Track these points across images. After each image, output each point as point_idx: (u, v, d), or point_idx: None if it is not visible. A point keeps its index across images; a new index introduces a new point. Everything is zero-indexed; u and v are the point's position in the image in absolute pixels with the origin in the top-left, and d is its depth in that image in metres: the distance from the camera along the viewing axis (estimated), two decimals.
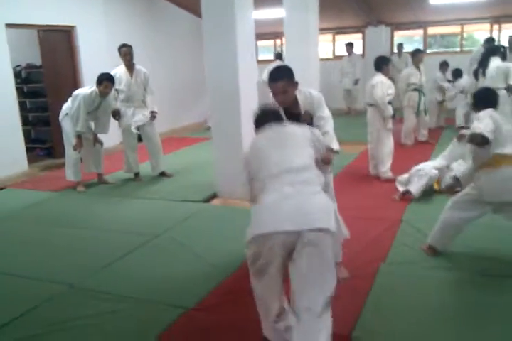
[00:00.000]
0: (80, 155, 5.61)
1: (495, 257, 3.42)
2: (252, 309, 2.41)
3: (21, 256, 3.78)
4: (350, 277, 3.19)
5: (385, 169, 5.48)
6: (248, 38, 4.99)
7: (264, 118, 2.63)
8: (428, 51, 10.74)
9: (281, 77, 2.82)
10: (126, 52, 5.62)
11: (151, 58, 8.29)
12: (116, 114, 5.68)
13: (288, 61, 6.95)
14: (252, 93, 5.03)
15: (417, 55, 7.12)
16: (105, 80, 5.23)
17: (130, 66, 5.71)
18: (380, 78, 5.39)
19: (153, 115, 5.82)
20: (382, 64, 5.46)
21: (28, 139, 7.37)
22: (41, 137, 7.86)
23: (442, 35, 11.81)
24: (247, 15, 4.94)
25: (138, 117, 5.72)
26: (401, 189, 4.87)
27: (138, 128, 5.79)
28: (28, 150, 6.95)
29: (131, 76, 5.70)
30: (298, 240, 2.11)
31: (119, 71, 5.68)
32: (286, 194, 2.19)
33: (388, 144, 5.50)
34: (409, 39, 11.88)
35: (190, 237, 4.00)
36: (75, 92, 5.45)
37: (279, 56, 9.83)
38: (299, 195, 2.19)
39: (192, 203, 4.94)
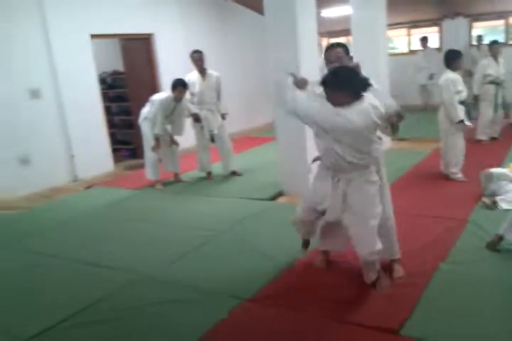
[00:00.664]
0: (159, 155, 6.01)
1: None
2: (307, 302, 2.54)
3: (102, 248, 4.17)
4: (405, 276, 3.23)
5: (455, 170, 5.33)
6: (310, 35, 5.03)
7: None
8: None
9: (339, 46, 3.15)
10: (197, 58, 5.94)
11: (223, 61, 8.61)
12: (198, 118, 5.96)
13: (355, 58, 6.95)
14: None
15: (494, 46, 6.85)
16: (179, 85, 5.58)
17: (202, 71, 6.02)
18: (447, 75, 5.13)
19: (223, 117, 6.14)
20: (451, 59, 5.21)
21: (114, 141, 7.97)
22: (126, 139, 8.46)
23: None
24: (309, 12, 4.99)
25: (213, 125, 6.04)
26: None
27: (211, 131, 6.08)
28: (114, 151, 7.53)
29: (204, 80, 6.01)
30: None
31: (192, 76, 6.00)
32: None
33: (458, 146, 5.29)
34: (493, 30, 11.28)
35: (254, 233, 4.20)
36: (152, 97, 5.85)
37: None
38: None
39: (259, 201, 5.14)
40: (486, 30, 11.17)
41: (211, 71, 6.10)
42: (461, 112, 5.08)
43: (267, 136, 8.55)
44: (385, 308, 2.85)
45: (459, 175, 5.32)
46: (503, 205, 4.32)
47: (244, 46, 9.60)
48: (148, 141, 5.94)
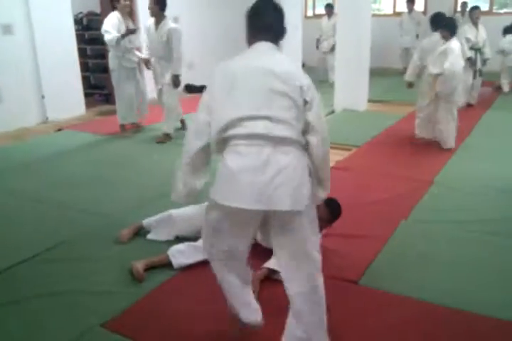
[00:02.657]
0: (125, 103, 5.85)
1: None
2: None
3: (74, 191, 4.15)
4: (368, 230, 3.35)
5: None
6: None
7: None
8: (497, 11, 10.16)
9: None
10: (150, 1, 5.22)
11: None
12: (146, 63, 5.69)
13: (341, 17, 6.88)
14: (296, 50, 5.06)
15: (474, 12, 6.87)
16: None
17: (157, 18, 5.30)
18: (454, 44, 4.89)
19: (174, 80, 5.41)
20: (440, 22, 5.11)
21: (88, 85, 7.75)
22: (100, 83, 8.24)
23: None
24: None
25: (158, 80, 5.59)
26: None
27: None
28: (87, 95, 7.34)
29: (156, 29, 5.34)
30: None
31: (150, 22, 5.42)
32: None
33: (454, 121, 5.21)
34: None
35: None
36: None
37: (329, 8, 9.30)
38: None
39: None
40: None
41: (169, 21, 5.36)
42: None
43: None
44: (345, 261, 2.96)
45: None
46: None
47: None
48: (115, 77, 5.76)
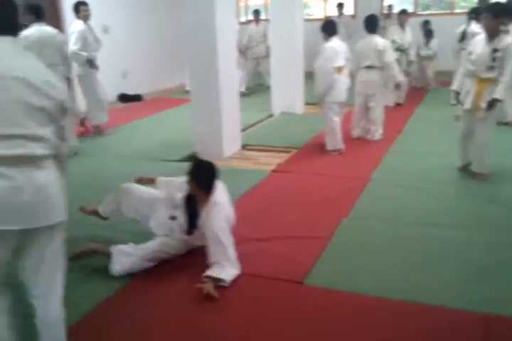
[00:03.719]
0: None
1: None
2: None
3: None
4: (310, 230, 3.42)
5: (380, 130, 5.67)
6: None
7: None
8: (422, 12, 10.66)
9: None
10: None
11: (133, 19, 8.28)
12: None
13: (273, 22, 6.99)
14: (231, 55, 5.10)
15: (402, 15, 7.21)
16: None
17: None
18: (380, 40, 5.42)
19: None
20: (375, 24, 5.48)
21: None
22: None
23: None
24: None
25: None
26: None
27: None
28: None
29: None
30: None
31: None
32: None
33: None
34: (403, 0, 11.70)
35: None
36: None
37: (257, 14, 9.29)
38: None
39: (171, 162, 5.09)
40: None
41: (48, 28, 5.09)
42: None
43: (182, 97, 8.42)
44: (288, 262, 3.00)
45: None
46: None
47: (158, 4, 9.20)
48: None
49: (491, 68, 3.97)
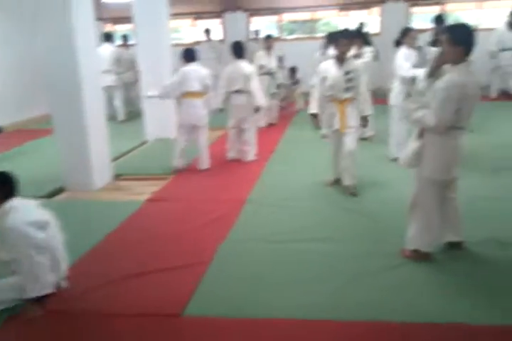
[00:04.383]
0: None
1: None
2: None
3: None
4: (186, 258, 3.32)
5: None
6: (86, 21, 4.73)
7: None
8: (288, 37, 11.24)
9: None
10: None
11: None
12: None
13: (140, 47, 6.88)
14: (95, 80, 4.89)
15: (268, 40, 7.47)
16: None
17: None
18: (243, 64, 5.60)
19: None
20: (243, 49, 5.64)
21: None
22: None
23: (304, 21, 12.27)
24: None
25: None
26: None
27: None
28: None
29: None
30: None
31: None
32: None
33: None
34: (269, 25, 12.23)
35: None
36: None
37: (107, 38, 8.75)
38: None
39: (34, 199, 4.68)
40: (264, 24, 12.11)
41: None
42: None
43: (47, 127, 7.88)
44: (165, 296, 2.88)
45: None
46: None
47: (16, 31, 8.59)
48: None
49: (347, 89, 4.26)
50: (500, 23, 9.17)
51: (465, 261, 3.15)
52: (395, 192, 4.37)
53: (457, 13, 11.48)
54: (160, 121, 6.85)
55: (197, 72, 5.24)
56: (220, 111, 5.73)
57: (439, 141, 2.93)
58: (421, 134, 3.03)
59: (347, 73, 4.23)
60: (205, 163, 5.49)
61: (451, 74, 2.81)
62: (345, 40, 4.25)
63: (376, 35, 9.58)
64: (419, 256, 3.14)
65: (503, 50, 8.81)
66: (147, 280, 3.04)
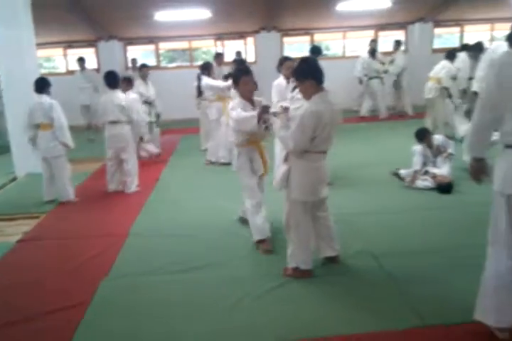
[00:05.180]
0: None
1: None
2: None
3: None
4: (64, 299, 3.10)
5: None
6: None
7: None
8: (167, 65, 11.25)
9: None
10: None
11: None
12: None
13: (4, 76, 6.46)
14: None
15: (143, 69, 7.46)
16: None
17: None
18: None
19: None
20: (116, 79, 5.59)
21: None
22: None
23: (184, 50, 12.36)
24: None
25: None
26: None
27: None
28: None
29: None
30: None
31: None
32: None
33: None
34: (147, 53, 12.20)
35: None
36: None
37: None
38: None
39: None
40: (141, 53, 12.08)
41: None
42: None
43: None
44: None
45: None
46: None
47: None
48: None
49: None
50: (363, 52, 10.12)
51: (342, 273, 3.32)
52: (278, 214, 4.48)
53: (327, 42, 12.43)
54: (29, 154, 6.41)
55: (41, 104, 5.10)
56: (91, 142, 5.54)
57: (302, 164, 3.11)
58: (286, 158, 3.18)
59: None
60: (65, 194, 5.25)
61: (309, 104, 3.01)
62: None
63: (252, 63, 9.96)
64: (299, 274, 3.24)
65: (370, 78, 9.73)
66: (18, 330, 2.77)
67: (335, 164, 5.54)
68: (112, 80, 5.51)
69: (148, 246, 3.99)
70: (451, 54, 7.45)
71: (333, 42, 12.50)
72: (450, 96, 7.27)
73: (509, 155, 2.32)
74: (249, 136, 3.70)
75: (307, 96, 3.06)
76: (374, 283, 3.17)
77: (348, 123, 8.79)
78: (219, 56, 8.48)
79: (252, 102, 3.73)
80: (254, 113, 3.53)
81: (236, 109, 3.62)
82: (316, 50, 6.16)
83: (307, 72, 3.05)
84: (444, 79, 7.27)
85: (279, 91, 4.93)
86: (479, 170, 2.52)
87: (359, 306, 2.90)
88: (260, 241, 3.76)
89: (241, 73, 3.77)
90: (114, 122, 5.44)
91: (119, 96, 5.47)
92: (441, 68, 7.37)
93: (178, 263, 3.61)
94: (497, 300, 2.42)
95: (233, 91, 4.77)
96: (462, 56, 7.36)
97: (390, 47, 10.37)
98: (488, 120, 2.39)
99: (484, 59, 5.50)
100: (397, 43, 10.01)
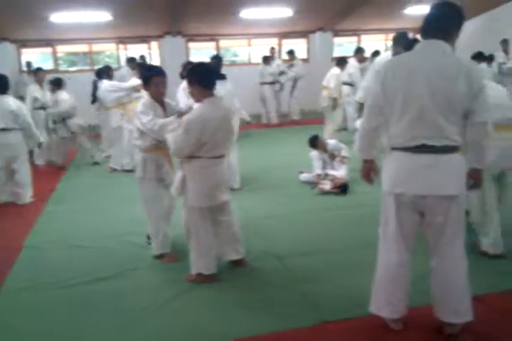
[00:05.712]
0: None
1: None
2: None
3: None
4: None
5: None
6: None
7: None
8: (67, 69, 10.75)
9: None
10: None
11: None
12: None
13: None
14: None
15: (38, 73, 7.06)
16: None
17: None
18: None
19: None
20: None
21: None
22: None
23: (85, 53, 11.84)
24: None
25: None
26: None
27: None
28: None
29: None
30: None
31: None
32: None
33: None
34: (44, 56, 11.57)
35: None
36: None
37: None
38: None
39: None
40: (40, 56, 11.44)
41: None
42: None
43: None
44: None
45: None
46: None
47: None
48: None
49: None
50: (258, 60, 10.38)
51: (247, 276, 3.33)
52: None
53: (234, 49, 12.55)
54: None
55: None
56: None
57: (194, 170, 3.09)
58: (181, 164, 3.16)
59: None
60: None
61: (198, 109, 3.02)
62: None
63: None
64: (203, 279, 3.21)
65: (263, 83, 9.93)
66: None
67: (243, 169, 5.65)
68: (1, 85, 5.14)
69: (44, 259, 3.76)
70: (341, 61, 7.83)
71: (240, 49, 12.67)
72: (335, 107, 7.68)
73: (395, 157, 2.46)
74: (158, 142, 3.45)
75: (197, 99, 3.07)
76: (278, 283, 3.22)
77: (252, 128, 8.93)
78: (132, 60, 8.28)
79: (162, 104, 3.53)
80: (172, 119, 3.33)
81: (148, 113, 3.36)
82: (216, 57, 6.25)
83: (193, 77, 3.06)
84: (333, 90, 7.62)
85: (186, 95, 4.93)
86: (369, 171, 2.65)
87: (264, 307, 2.92)
88: (161, 256, 3.63)
89: (152, 73, 3.48)
90: (3, 130, 5.04)
91: (10, 101, 5.10)
92: (331, 76, 7.71)
93: (78, 276, 3.41)
94: (389, 293, 2.55)
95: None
96: (352, 61, 7.74)
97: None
98: (374, 124, 2.51)
99: (370, 69, 5.83)
100: (291, 53, 10.28)
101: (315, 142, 5.59)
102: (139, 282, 3.32)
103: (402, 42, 4.17)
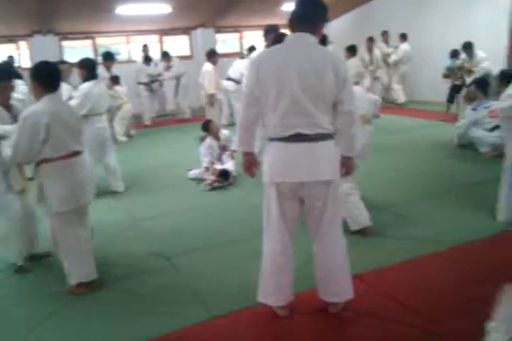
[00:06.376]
0: None
1: None
2: None
3: None
4: None
5: None
6: None
7: None
8: None
9: None
10: None
11: None
12: None
13: None
14: None
15: None
16: None
17: None
18: None
19: None
20: None
21: None
22: None
23: None
24: None
25: None
26: None
27: None
28: None
29: None
30: None
31: None
32: None
33: None
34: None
35: None
36: None
37: None
38: None
39: None
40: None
41: None
42: None
43: None
44: None
45: None
46: None
47: None
48: None
49: None
50: (139, 57, 10.08)
51: (136, 279, 3.21)
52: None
53: (115, 46, 12.03)
54: None
55: None
56: None
57: (49, 175, 2.90)
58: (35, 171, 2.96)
59: None
60: None
61: (34, 106, 2.87)
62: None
63: (26, 69, 9.11)
64: (85, 288, 3.01)
65: (139, 83, 9.67)
66: None
67: (127, 171, 5.43)
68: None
69: None
70: (212, 54, 7.65)
71: (120, 47, 12.19)
72: (212, 103, 7.66)
73: (273, 147, 2.48)
74: None
75: (36, 97, 2.94)
76: (168, 284, 3.13)
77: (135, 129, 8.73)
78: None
79: (8, 109, 3.30)
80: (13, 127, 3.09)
81: None
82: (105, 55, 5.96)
83: (32, 75, 2.94)
84: (207, 87, 7.57)
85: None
86: (250, 163, 2.65)
87: (155, 310, 2.81)
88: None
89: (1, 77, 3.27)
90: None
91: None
92: (204, 73, 7.62)
93: None
94: (274, 281, 2.58)
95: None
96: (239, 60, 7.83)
97: (175, 52, 10.52)
98: (252, 116, 2.51)
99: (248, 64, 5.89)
100: (165, 54, 10.01)
101: (208, 125, 5.53)
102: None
103: (272, 35, 4.26)
